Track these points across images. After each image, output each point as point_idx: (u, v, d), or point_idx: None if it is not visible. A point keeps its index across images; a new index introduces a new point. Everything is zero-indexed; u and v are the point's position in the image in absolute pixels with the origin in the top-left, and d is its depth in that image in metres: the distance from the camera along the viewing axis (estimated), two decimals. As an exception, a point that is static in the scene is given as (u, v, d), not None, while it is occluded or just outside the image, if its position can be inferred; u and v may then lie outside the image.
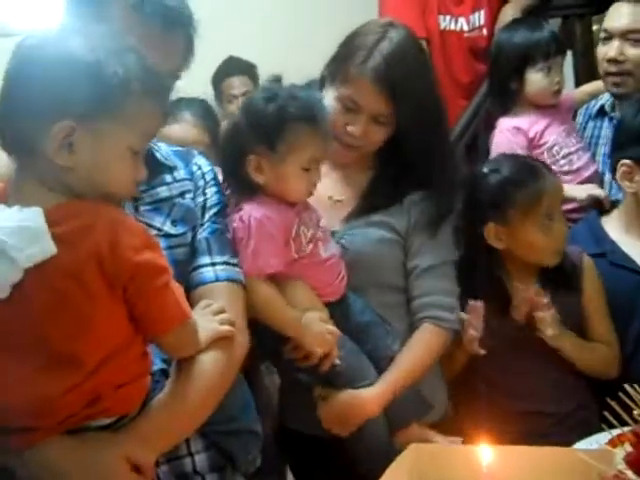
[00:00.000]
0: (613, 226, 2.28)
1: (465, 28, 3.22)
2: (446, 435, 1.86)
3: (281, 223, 1.77)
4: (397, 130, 1.93)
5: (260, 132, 1.76)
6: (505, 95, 2.66)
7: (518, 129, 2.62)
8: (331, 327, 1.80)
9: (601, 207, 2.44)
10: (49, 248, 1.25)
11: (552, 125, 2.65)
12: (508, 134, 2.62)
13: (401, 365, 1.88)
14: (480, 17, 3.22)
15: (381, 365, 1.88)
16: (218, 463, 1.58)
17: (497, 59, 2.72)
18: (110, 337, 1.31)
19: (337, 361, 1.80)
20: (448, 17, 3.20)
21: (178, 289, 1.39)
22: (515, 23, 2.85)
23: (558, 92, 2.66)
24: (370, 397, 1.83)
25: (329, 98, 1.92)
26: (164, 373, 1.47)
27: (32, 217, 1.25)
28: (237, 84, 3.84)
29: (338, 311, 1.87)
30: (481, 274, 2.08)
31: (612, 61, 2.60)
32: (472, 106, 2.79)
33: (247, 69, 3.85)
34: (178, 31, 1.57)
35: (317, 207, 1.89)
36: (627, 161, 2.19)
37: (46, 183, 1.30)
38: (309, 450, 2.01)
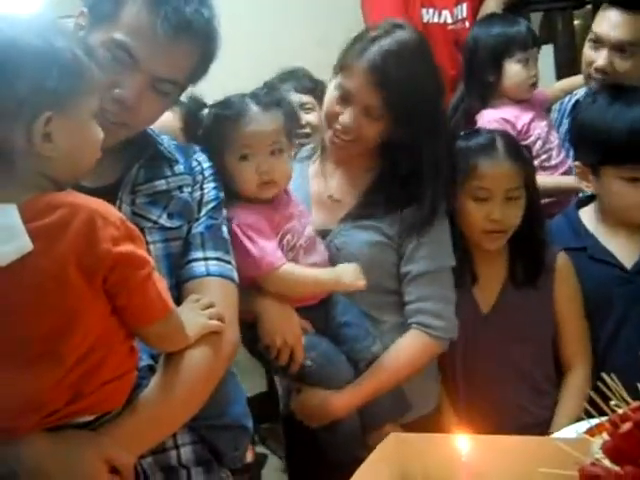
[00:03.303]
0: (589, 219, 2.28)
1: (449, 21, 3.20)
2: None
3: (271, 223, 1.81)
4: (391, 131, 1.94)
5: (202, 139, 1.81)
6: (483, 87, 2.66)
7: (506, 121, 2.63)
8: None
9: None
10: (25, 245, 1.21)
11: (536, 119, 2.67)
12: (497, 125, 2.58)
13: (379, 371, 1.90)
14: (463, 10, 3.21)
15: (359, 366, 1.90)
16: (204, 457, 1.58)
17: (474, 52, 2.72)
18: (91, 331, 1.29)
19: (308, 362, 1.83)
20: (431, 10, 3.19)
21: (161, 282, 1.37)
22: (491, 17, 2.86)
23: (534, 85, 2.68)
24: (338, 401, 1.86)
25: (331, 88, 1.96)
26: (151, 369, 1.46)
27: (6, 213, 1.22)
28: None
29: (319, 312, 1.89)
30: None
31: (599, 70, 2.54)
32: (452, 102, 2.78)
33: None
34: (185, 41, 1.53)
35: (317, 205, 1.93)
36: (578, 163, 2.23)
37: (19, 179, 1.26)
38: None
